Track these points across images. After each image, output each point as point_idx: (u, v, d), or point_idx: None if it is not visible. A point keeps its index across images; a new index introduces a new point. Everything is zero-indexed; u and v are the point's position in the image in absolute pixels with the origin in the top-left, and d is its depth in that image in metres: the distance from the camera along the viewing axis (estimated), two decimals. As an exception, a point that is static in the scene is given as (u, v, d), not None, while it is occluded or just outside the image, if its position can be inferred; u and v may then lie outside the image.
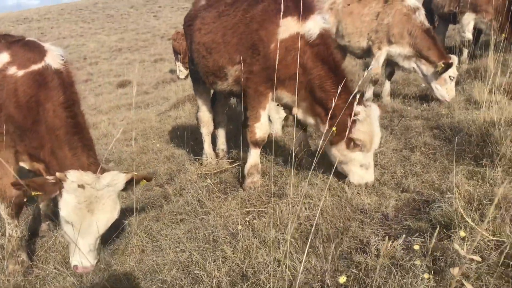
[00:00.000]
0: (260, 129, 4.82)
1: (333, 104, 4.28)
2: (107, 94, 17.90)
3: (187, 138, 7.08)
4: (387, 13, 7.07)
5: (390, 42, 7.08)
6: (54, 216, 4.76)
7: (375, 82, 7.36)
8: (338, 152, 4.39)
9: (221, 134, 6.24)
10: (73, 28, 49.36)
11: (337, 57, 4.63)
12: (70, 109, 3.64)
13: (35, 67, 3.78)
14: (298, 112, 4.79)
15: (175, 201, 4.91)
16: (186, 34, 5.90)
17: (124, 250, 4.19)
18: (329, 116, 4.06)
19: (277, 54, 4.27)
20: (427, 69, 6.95)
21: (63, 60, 4.03)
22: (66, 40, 40.95)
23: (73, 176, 3.37)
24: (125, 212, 4.53)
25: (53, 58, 3.94)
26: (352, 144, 4.30)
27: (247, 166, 4.93)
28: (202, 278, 3.28)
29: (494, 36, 8.58)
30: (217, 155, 6.14)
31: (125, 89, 18.17)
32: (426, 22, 7.00)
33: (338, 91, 4.34)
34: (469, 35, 9.28)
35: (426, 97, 7.58)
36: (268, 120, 6.66)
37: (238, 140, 6.20)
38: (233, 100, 8.01)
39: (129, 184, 3.58)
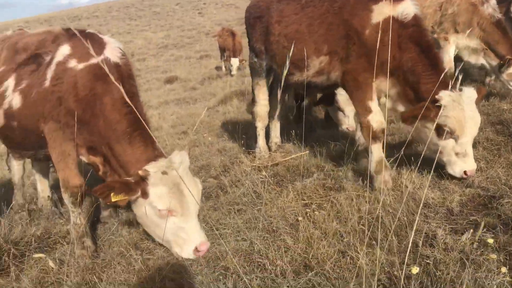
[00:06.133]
0: (375, 120, 4.46)
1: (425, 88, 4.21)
2: (155, 89, 18.31)
3: (238, 132, 7.15)
4: (451, 2, 6.83)
5: (456, 32, 6.84)
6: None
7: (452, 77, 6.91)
8: (432, 143, 4.21)
9: (274, 127, 6.25)
10: (121, 25, 50.82)
11: (431, 40, 4.51)
12: (128, 104, 3.23)
13: (94, 60, 3.76)
14: (387, 102, 4.58)
15: (231, 192, 4.96)
16: (252, 26, 5.72)
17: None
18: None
19: (376, 38, 4.06)
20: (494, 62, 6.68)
21: (121, 53, 4.08)
22: (114, 37, 41.66)
23: (153, 167, 3.49)
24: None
25: (112, 51, 4.00)
26: (441, 131, 4.13)
27: (372, 164, 4.45)
28: (265, 266, 3.31)
29: None
30: (269, 149, 6.17)
31: (173, 85, 18.52)
32: (496, 13, 6.61)
33: (429, 75, 4.24)
34: None
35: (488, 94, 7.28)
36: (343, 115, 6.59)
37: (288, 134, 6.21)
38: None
39: None
